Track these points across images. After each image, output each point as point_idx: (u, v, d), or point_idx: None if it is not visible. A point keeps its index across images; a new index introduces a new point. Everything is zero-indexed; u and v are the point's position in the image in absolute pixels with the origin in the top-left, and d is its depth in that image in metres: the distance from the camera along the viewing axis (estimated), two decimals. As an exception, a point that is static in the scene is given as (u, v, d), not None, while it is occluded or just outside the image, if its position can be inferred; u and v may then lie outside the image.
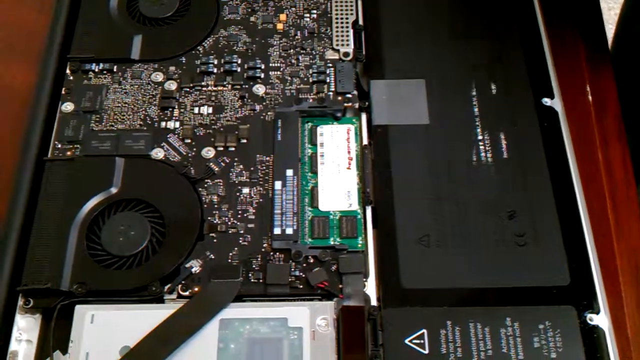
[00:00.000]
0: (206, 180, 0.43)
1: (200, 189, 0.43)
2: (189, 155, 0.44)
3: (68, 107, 0.46)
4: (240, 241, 0.42)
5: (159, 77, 0.47)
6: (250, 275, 0.40)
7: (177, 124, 0.46)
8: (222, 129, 0.45)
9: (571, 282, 0.39)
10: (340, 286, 0.40)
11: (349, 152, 0.44)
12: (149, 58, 0.48)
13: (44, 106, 0.46)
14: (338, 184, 0.43)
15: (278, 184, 0.43)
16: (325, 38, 0.49)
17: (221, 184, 0.43)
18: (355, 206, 0.42)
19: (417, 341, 0.37)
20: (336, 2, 0.50)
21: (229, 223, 0.42)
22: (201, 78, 0.47)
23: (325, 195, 0.43)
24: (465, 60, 0.47)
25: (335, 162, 0.43)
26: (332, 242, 0.41)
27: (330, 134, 0.44)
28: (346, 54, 0.48)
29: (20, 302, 0.40)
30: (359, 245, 0.41)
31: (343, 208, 0.42)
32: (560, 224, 0.41)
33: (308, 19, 0.50)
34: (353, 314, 0.39)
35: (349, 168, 0.43)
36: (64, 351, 0.38)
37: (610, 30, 0.59)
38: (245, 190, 0.43)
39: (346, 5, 0.49)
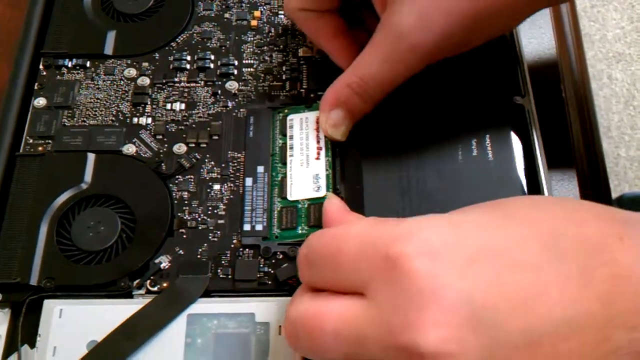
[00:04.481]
0: (177, 176, 0.44)
1: (171, 185, 0.43)
2: (161, 151, 0.45)
3: (40, 102, 0.46)
4: (210, 237, 0.42)
5: (132, 72, 0.47)
6: (219, 271, 0.41)
7: (149, 120, 0.46)
8: (194, 125, 0.46)
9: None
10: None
11: (318, 142, 0.44)
12: (123, 54, 0.48)
13: (17, 101, 0.46)
14: (307, 174, 0.43)
15: (249, 181, 0.44)
16: (299, 35, 0.49)
17: (192, 180, 0.44)
18: (323, 191, 0.42)
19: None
20: (311, -1, 0.50)
21: (199, 219, 0.42)
22: (174, 74, 0.48)
23: (294, 185, 0.43)
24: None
25: (304, 153, 0.44)
26: (300, 231, 0.42)
27: (300, 124, 0.45)
28: (320, 51, 0.48)
29: (-10, 296, 0.40)
30: None
31: (311, 195, 0.42)
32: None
33: (282, 16, 0.50)
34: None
35: (317, 158, 0.43)
36: (33, 345, 0.38)
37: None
38: (216, 186, 0.44)
39: (320, 3, 0.50)
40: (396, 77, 0.41)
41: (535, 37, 0.53)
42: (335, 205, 0.39)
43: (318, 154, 0.43)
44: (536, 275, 0.28)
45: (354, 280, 0.30)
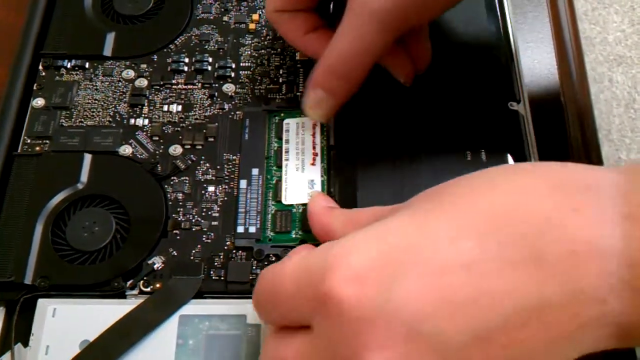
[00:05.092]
0: (172, 178, 0.44)
1: (166, 186, 0.44)
2: (157, 152, 0.45)
3: (39, 102, 0.47)
4: (204, 239, 0.42)
5: (130, 74, 0.48)
6: (211, 272, 0.41)
7: (146, 122, 0.46)
8: (190, 127, 0.46)
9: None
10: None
11: (314, 148, 0.44)
12: (121, 55, 0.49)
13: (15, 101, 0.46)
14: (302, 179, 0.44)
15: (243, 183, 0.44)
16: (296, 38, 0.49)
17: (187, 181, 0.44)
18: None
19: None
20: (308, 3, 0.50)
21: (193, 220, 0.43)
22: (172, 76, 0.48)
23: (289, 189, 0.43)
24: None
25: (299, 158, 0.44)
26: (293, 235, 0.42)
27: (296, 128, 0.45)
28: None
29: (-16, 295, 0.40)
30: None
31: (306, 200, 0.43)
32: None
33: (280, 19, 0.50)
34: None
35: (313, 164, 0.44)
36: (26, 344, 0.39)
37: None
38: (211, 188, 0.44)
39: (318, 7, 0.50)
40: (366, 51, 0.41)
41: (534, 41, 0.53)
42: (318, 207, 0.39)
43: (314, 159, 0.44)
44: (469, 274, 0.27)
45: (299, 318, 0.31)
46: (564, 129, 0.50)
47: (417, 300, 0.27)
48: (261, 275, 0.33)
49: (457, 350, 0.27)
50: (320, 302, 0.29)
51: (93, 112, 0.46)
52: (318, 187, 0.43)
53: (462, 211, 0.29)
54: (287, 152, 0.44)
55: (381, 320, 0.27)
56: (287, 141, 0.45)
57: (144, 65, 0.48)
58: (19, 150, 0.45)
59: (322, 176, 0.44)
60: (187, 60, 0.49)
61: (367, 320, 0.28)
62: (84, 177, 0.44)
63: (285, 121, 0.46)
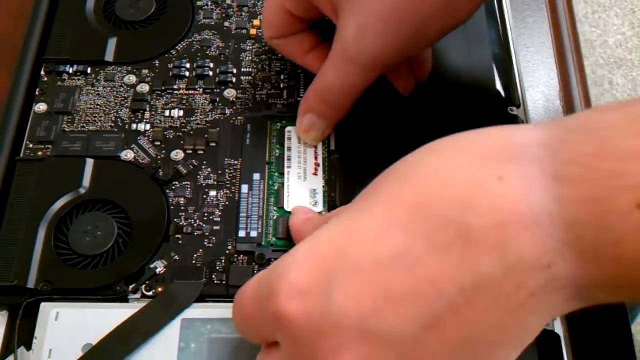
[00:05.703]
0: (174, 182, 0.44)
1: (167, 191, 0.44)
2: (158, 157, 0.45)
3: (41, 107, 0.47)
4: (205, 243, 0.43)
5: (131, 79, 0.48)
6: (213, 276, 0.41)
7: (148, 126, 0.46)
8: (191, 132, 0.46)
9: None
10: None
11: (315, 158, 0.45)
12: (123, 60, 0.49)
13: (18, 106, 0.47)
14: (304, 186, 0.44)
15: (244, 187, 0.44)
16: (297, 44, 0.50)
17: (188, 186, 0.44)
18: (320, 207, 0.43)
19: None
20: (309, 8, 0.51)
21: (195, 225, 0.43)
22: (173, 81, 0.48)
23: (291, 196, 0.44)
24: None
25: (301, 166, 0.44)
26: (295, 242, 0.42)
27: (298, 136, 0.45)
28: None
29: (-13, 299, 0.41)
30: None
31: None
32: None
33: (281, 25, 0.51)
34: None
35: (315, 174, 0.44)
36: (29, 347, 0.39)
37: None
38: (212, 192, 0.44)
39: (318, 12, 0.50)
40: (352, 86, 0.42)
41: (534, 46, 0.54)
42: (296, 220, 0.41)
43: (315, 169, 0.44)
44: (401, 265, 0.27)
45: (267, 336, 0.32)
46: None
47: (355, 301, 0.28)
48: (235, 297, 0.34)
49: (412, 340, 0.27)
50: (274, 322, 0.30)
51: (95, 117, 0.47)
52: (320, 196, 0.43)
53: (388, 205, 0.29)
54: (289, 159, 0.45)
55: (329, 328, 0.28)
56: (289, 148, 0.45)
57: (145, 71, 0.49)
58: (21, 155, 0.45)
59: (324, 186, 0.44)
60: (188, 65, 0.49)
61: (317, 331, 0.28)
62: (86, 181, 0.44)
63: (287, 128, 0.46)
